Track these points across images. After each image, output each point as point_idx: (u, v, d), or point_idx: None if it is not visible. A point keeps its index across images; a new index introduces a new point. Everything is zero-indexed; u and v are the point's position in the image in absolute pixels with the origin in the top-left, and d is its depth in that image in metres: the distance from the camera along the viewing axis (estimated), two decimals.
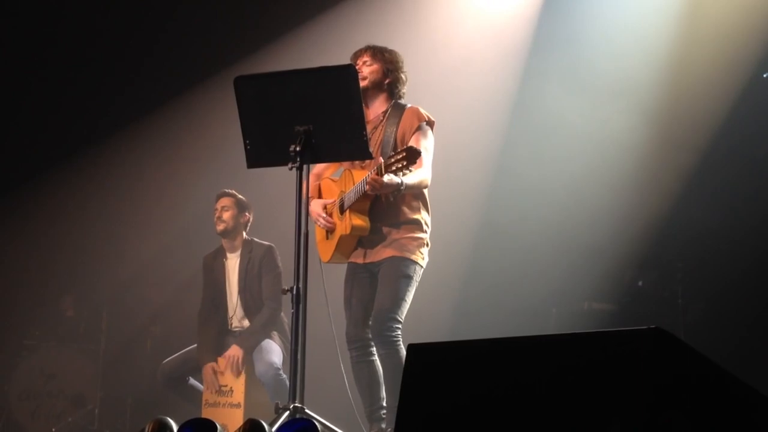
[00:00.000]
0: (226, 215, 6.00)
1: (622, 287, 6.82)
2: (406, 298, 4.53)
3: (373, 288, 4.59)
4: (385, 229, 4.54)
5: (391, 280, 4.50)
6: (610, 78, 6.79)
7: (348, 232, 4.50)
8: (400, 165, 4.11)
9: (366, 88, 4.56)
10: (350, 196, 4.49)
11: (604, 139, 6.78)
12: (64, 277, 7.65)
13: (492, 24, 7.20)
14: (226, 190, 6.08)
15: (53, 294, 7.63)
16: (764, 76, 6.44)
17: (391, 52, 4.70)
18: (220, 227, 6.01)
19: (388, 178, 4.18)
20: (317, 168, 4.79)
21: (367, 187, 4.28)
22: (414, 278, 4.54)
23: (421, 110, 4.59)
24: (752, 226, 6.32)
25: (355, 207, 4.49)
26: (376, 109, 4.66)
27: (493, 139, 7.10)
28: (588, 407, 2.46)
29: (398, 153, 4.12)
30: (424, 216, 4.59)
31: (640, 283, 6.79)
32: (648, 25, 6.77)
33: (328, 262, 4.71)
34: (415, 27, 7.10)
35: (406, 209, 4.53)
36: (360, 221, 4.49)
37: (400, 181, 4.23)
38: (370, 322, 4.57)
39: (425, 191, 4.62)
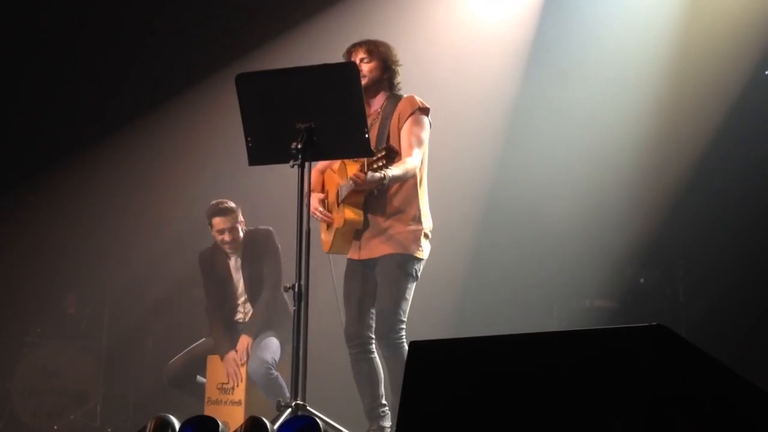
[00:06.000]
0: (228, 237, 5.87)
1: (624, 284, 6.80)
2: (407, 296, 4.53)
3: (369, 285, 4.60)
4: (380, 223, 4.55)
5: (390, 280, 4.51)
6: (613, 75, 6.78)
7: (341, 225, 4.56)
8: (380, 164, 4.18)
9: (367, 87, 4.52)
10: (343, 191, 4.53)
11: (606, 135, 6.78)
12: (66, 274, 7.64)
13: (493, 20, 7.19)
14: (217, 207, 5.88)
15: (55, 292, 7.62)
16: (766, 73, 6.44)
17: (386, 45, 4.68)
18: (227, 248, 5.93)
19: (369, 175, 4.22)
20: (320, 164, 4.81)
21: (351, 183, 4.35)
22: (413, 274, 4.54)
23: (416, 98, 4.60)
24: (754, 223, 6.32)
25: (349, 201, 4.54)
26: (376, 104, 4.66)
27: (495, 135, 7.10)
28: (589, 404, 2.46)
29: (378, 151, 4.18)
30: (421, 207, 4.59)
31: (641, 280, 6.77)
32: (649, 22, 6.77)
33: (328, 252, 4.74)
34: (416, 24, 7.10)
35: (401, 201, 4.55)
36: (352, 214, 4.54)
37: (382, 176, 4.24)
38: (373, 325, 4.56)
39: (424, 182, 4.63)
